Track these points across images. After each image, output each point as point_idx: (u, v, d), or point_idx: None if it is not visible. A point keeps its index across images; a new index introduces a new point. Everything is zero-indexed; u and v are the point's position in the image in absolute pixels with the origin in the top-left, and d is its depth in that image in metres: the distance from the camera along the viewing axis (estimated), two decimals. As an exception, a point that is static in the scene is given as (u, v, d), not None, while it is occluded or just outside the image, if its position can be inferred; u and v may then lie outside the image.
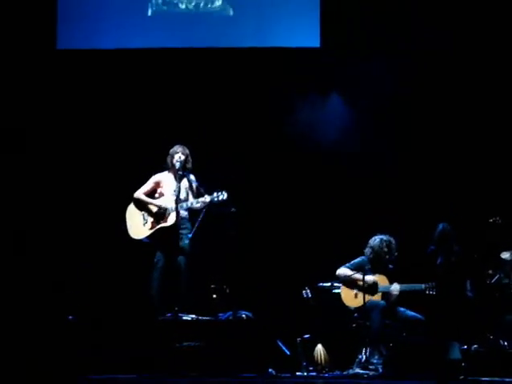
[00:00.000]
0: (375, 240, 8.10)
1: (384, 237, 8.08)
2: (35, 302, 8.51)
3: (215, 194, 7.86)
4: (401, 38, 9.34)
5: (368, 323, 7.81)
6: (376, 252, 8.05)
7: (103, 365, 7.09)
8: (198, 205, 7.95)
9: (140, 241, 8.08)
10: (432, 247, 8.26)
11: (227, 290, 8.32)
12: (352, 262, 8.12)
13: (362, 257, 8.15)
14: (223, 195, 7.82)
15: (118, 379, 6.91)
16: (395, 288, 7.90)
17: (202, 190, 7.99)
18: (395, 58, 9.31)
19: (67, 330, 7.45)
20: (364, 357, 7.68)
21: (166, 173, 8.22)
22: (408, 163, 9.31)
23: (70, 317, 7.67)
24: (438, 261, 8.22)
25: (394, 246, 8.06)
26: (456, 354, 7.43)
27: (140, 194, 8.14)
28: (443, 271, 8.14)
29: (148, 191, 8.17)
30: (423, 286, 7.86)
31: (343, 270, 8.08)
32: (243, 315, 7.92)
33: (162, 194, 8.14)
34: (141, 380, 6.96)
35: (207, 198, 7.89)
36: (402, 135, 9.39)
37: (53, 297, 8.68)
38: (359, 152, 9.32)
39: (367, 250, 8.13)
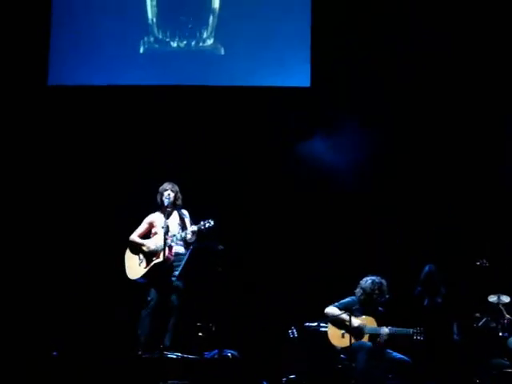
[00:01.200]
0: (367, 281, 8.05)
1: (376, 278, 8.03)
2: (20, 337, 8.45)
3: (202, 223, 7.91)
4: (393, 75, 9.43)
5: (354, 364, 7.76)
6: (367, 293, 8.00)
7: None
8: (189, 236, 7.97)
9: (136, 281, 8.09)
10: (419, 288, 8.26)
11: (213, 328, 8.27)
12: (341, 301, 8.09)
13: (352, 297, 8.12)
14: (210, 223, 7.87)
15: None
16: (384, 331, 7.85)
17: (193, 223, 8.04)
18: (387, 96, 9.41)
19: (51, 366, 7.39)
20: (350, 398, 7.65)
21: (157, 212, 8.26)
22: (397, 205, 9.33)
23: (54, 353, 7.62)
24: (425, 302, 8.21)
25: (385, 288, 8.01)
26: (442, 396, 7.43)
27: (134, 236, 8.23)
28: (429, 313, 8.12)
29: (142, 233, 8.25)
30: (411, 330, 7.82)
31: (331, 309, 8.05)
32: (229, 354, 7.89)
33: (156, 234, 8.16)
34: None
35: (194, 227, 7.94)
36: (391, 175, 9.44)
37: (37, 332, 8.61)
38: (350, 191, 9.33)
39: (358, 291, 8.09)
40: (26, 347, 8.06)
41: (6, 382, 7.23)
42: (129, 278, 8.11)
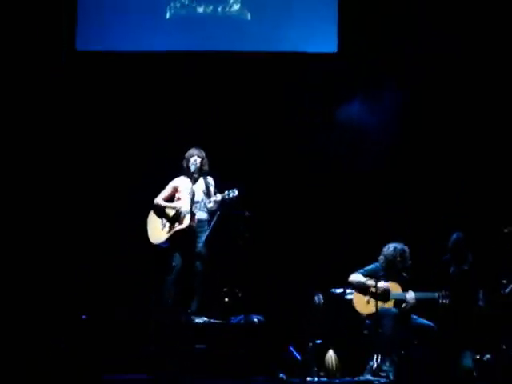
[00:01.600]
0: (389, 248, 8.06)
1: (398, 245, 8.04)
2: (49, 301, 8.53)
3: (226, 192, 7.91)
4: (417, 41, 9.32)
5: (380, 330, 7.78)
6: (389, 260, 8.02)
7: (114, 365, 7.11)
8: (211, 204, 7.98)
9: (159, 246, 8.12)
10: (446, 256, 8.24)
11: (239, 294, 8.31)
12: (365, 268, 8.11)
13: (376, 263, 8.13)
14: (234, 192, 7.86)
15: (129, 379, 6.91)
16: (411, 296, 7.86)
17: (217, 192, 8.04)
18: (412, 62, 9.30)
19: (80, 330, 7.48)
20: (375, 363, 7.65)
21: (182, 177, 8.26)
22: (425, 171, 9.27)
23: (83, 316, 7.70)
24: (451, 270, 8.20)
25: (407, 254, 8.01)
26: (468, 362, 7.43)
27: (159, 199, 8.21)
28: (456, 280, 8.11)
29: (167, 197, 8.23)
30: (436, 294, 7.83)
31: (356, 276, 8.06)
32: (255, 319, 7.92)
33: (180, 199, 8.17)
34: (151, 380, 6.96)
35: (218, 197, 7.94)
36: (418, 141, 9.36)
37: (66, 296, 8.68)
38: (375, 158, 9.26)
39: (380, 258, 8.10)
40: (54, 310, 8.16)
41: (34, 344, 7.33)
42: (151, 243, 8.14)
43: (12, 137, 9.36)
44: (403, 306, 7.88)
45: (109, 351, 7.30)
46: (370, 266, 8.13)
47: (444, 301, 7.78)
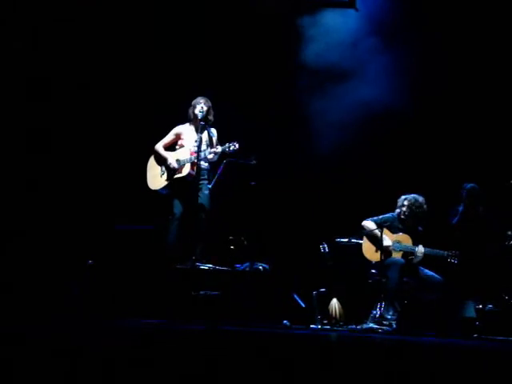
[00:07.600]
0: (400, 199, 8.09)
1: (409, 196, 8.05)
2: (56, 246, 8.59)
3: (227, 145, 7.89)
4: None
5: (384, 280, 7.81)
6: (409, 208, 8.02)
7: (121, 311, 7.18)
8: (211, 156, 7.98)
9: (158, 192, 8.15)
10: (458, 207, 8.24)
11: (245, 242, 8.35)
12: (381, 216, 8.10)
13: (393, 213, 8.14)
14: (235, 146, 7.85)
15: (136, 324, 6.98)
16: (420, 250, 7.86)
17: (219, 144, 8.03)
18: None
19: (87, 275, 7.54)
20: (378, 312, 7.70)
21: (187, 124, 8.25)
22: (439, 124, 9.20)
23: (90, 261, 7.76)
24: (455, 219, 8.21)
25: (425, 207, 8.00)
26: (470, 312, 7.48)
27: (159, 146, 8.21)
28: (462, 231, 8.13)
29: (168, 143, 8.23)
30: (446, 253, 7.83)
31: (368, 223, 8.05)
32: (260, 267, 7.97)
33: (182, 146, 8.17)
34: (158, 326, 7.03)
35: (219, 149, 7.94)
36: (430, 95, 9.27)
37: (73, 242, 8.73)
38: (388, 110, 9.16)
39: (398, 207, 8.12)
40: (62, 256, 8.22)
41: (41, 290, 7.41)
42: (149, 188, 8.16)
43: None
44: (410, 257, 7.90)
45: (115, 297, 7.35)
46: (386, 215, 8.13)
47: (452, 260, 7.78)
